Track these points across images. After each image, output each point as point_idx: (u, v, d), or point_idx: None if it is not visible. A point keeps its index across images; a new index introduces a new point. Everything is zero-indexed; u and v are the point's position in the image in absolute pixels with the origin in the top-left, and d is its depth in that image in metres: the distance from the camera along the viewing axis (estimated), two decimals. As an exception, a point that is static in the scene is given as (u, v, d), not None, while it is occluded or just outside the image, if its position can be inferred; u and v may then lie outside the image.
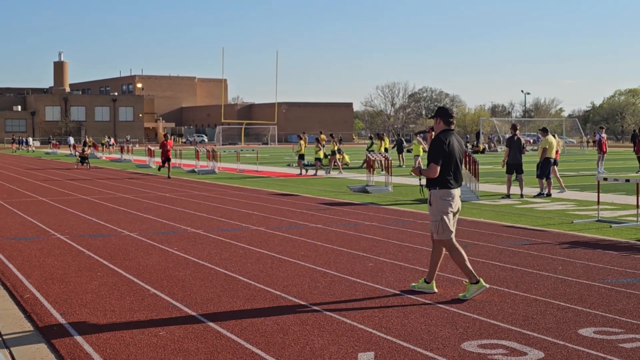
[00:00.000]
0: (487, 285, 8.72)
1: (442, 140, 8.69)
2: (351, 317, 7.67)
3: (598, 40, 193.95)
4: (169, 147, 32.65)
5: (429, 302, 8.34)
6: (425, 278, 8.92)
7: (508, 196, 21.11)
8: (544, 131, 21.96)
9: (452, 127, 8.92)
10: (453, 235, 8.72)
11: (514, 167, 21.32)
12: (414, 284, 8.97)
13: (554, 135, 22.51)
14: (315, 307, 8.12)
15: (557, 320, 7.50)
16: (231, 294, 8.86)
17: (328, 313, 7.86)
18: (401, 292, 8.80)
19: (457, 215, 8.85)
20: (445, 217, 8.64)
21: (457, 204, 8.77)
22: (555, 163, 22.04)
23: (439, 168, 8.57)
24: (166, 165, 32.68)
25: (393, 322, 7.45)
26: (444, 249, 8.83)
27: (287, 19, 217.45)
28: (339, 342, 6.77)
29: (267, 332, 7.13)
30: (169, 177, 31.70)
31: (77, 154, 44.59)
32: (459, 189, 8.79)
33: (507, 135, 22.54)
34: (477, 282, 8.54)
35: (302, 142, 36.03)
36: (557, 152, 22.12)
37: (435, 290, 8.82)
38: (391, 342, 6.76)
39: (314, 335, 7.03)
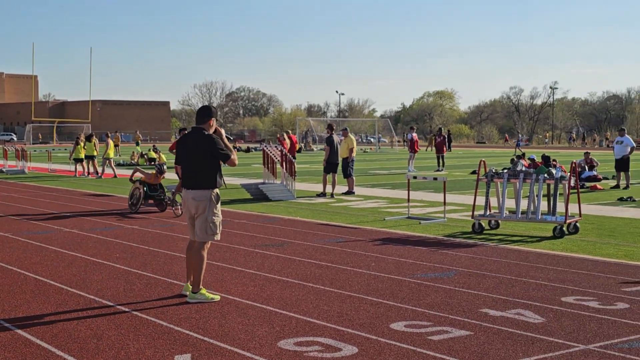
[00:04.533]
0: (186, 293, 8.50)
1: (178, 141, 8.79)
2: (168, 319, 7.57)
3: (408, 42, 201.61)
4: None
5: (247, 301, 8.37)
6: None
7: (324, 194, 21.54)
8: (345, 131, 22.75)
9: (203, 125, 8.65)
10: (191, 238, 8.66)
11: (333, 166, 21.84)
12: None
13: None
14: (131, 311, 7.95)
15: (370, 315, 7.73)
16: (42, 299, 8.51)
17: (144, 316, 7.72)
18: (218, 293, 8.77)
19: (197, 219, 8.54)
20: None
21: (187, 205, 8.59)
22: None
23: (179, 168, 8.61)
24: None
25: (210, 323, 7.42)
26: (204, 251, 8.62)
27: (101, 15, 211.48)
28: (156, 345, 6.67)
29: (80, 338, 6.90)
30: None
31: (135, 177, 18.53)
32: (190, 190, 8.53)
33: (325, 135, 23.16)
34: (199, 290, 8.45)
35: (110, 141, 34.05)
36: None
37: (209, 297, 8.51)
38: (208, 343, 6.73)
39: (130, 339, 6.88)
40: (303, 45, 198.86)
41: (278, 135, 27.90)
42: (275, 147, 23.06)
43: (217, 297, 8.49)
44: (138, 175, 18.44)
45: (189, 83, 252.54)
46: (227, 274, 9.93)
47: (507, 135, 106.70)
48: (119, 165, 41.36)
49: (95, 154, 32.24)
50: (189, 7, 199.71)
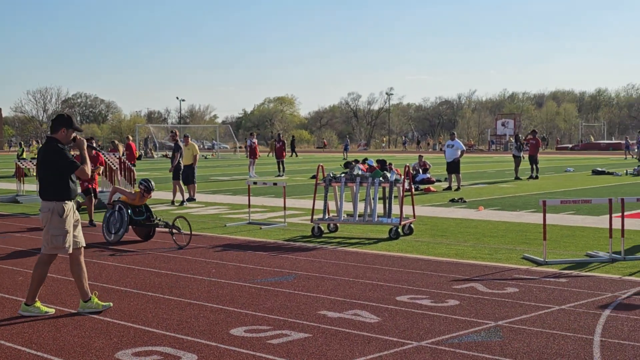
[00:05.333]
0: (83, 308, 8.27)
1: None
2: (-2, 336, 7.28)
3: (248, 48, 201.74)
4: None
5: (83, 313, 8.16)
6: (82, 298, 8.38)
7: (187, 200, 21.29)
8: (187, 138, 22.63)
9: (55, 134, 8.32)
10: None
11: (180, 172, 21.64)
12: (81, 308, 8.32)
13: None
14: (-43, 328, 7.59)
15: (210, 322, 7.72)
16: None
17: (-28, 333, 7.39)
18: (53, 306, 8.50)
19: (44, 228, 8.31)
20: None
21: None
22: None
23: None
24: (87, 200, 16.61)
25: (44, 337, 7.19)
26: (46, 265, 8.33)
27: None
28: (-15, 363, 6.40)
29: None
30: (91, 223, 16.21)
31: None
32: (42, 202, 8.30)
33: (170, 143, 22.97)
34: (34, 303, 8.16)
35: None
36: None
37: (104, 304, 8.35)
38: (42, 358, 6.52)
39: (-43, 358, 6.57)
40: (142, 50, 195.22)
41: (111, 147, 27.34)
42: (114, 154, 22.59)
43: (51, 310, 8.23)
44: (118, 195, 14.59)
45: (21, 89, 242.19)
46: (63, 285, 9.64)
47: (325, 141, 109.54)
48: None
49: None
50: (19, 7, 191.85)
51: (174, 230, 13.27)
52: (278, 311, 8.20)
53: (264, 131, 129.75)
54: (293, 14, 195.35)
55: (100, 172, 16.84)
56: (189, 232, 13.09)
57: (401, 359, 6.45)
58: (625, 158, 56.51)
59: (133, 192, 14.19)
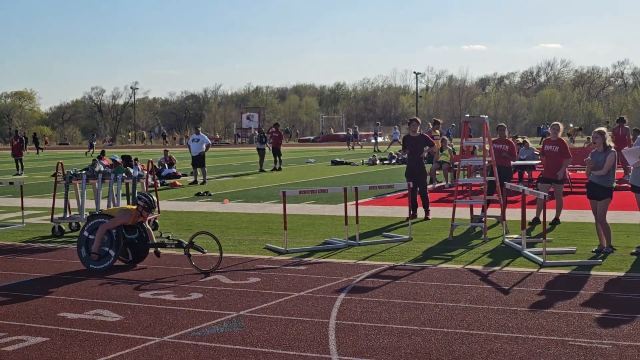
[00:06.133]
0: None
1: None
2: None
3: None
4: None
5: None
6: None
7: None
8: None
9: None
10: None
11: None
12: None
13: None
14: None
15: (-63, 333, 7.25)
16: None
17: None
18: None
19: None
20: None
21: None
22: None
23: None
24: None
25: None
26: None
27: None
28: None
29: None
30: None
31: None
32: None
33: None
34: None
35: None
36: None
37: None
38: None
39: None
40: None
41: None
42: None
43: None
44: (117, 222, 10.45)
45: None
46: None
47: (46, 138, 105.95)
48: None
49: None
50: None
51: (192, 252, 10.38)
52: (14, 316, 7.86)
53: (1, 128, 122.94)
54: (31, 4, 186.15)
55: None
56: (217, 254, 10.21)
57: (143, 355, 6.43)
58: (349, 149, 58.88)
59: (124, 210, 10.60)
